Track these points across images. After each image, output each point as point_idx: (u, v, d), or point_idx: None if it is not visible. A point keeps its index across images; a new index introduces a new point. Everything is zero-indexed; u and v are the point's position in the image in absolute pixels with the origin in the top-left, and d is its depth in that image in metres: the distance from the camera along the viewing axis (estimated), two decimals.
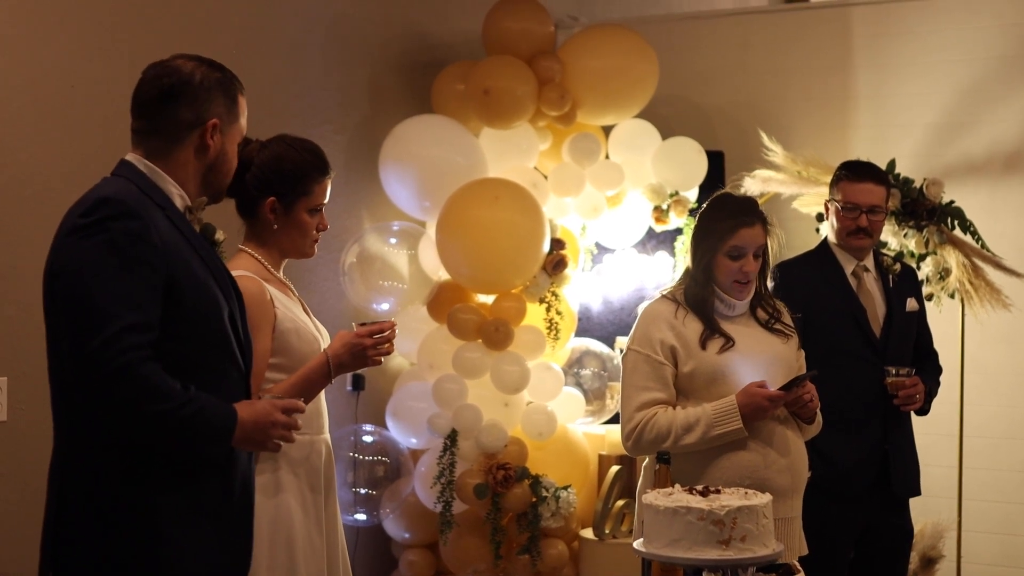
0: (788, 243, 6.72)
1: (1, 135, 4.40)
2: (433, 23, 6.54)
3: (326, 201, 3.70)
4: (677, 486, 3.51)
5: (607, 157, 6.17)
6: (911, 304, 4.99)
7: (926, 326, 5.08)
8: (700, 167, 6.22)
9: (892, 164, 5.91)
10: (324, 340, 3.69)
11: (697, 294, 4.10)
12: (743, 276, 4.06)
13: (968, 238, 5.78)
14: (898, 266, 5.05)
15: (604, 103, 6.09)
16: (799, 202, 6.22)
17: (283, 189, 3.58)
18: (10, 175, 4.43)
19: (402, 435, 5.78)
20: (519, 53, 5.96)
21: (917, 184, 5.79)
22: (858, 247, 4.92)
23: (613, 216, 6.17)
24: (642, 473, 4.20)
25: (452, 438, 5.57)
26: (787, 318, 4.25)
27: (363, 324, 3.58)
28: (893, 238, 5.79)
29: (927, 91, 6.49)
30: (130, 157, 3.06)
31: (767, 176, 6.15)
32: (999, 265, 5.78)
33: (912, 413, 4.96)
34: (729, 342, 4.03)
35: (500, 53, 5.97)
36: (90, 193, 2.96)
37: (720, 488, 3.45)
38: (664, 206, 6.15)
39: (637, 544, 3.40)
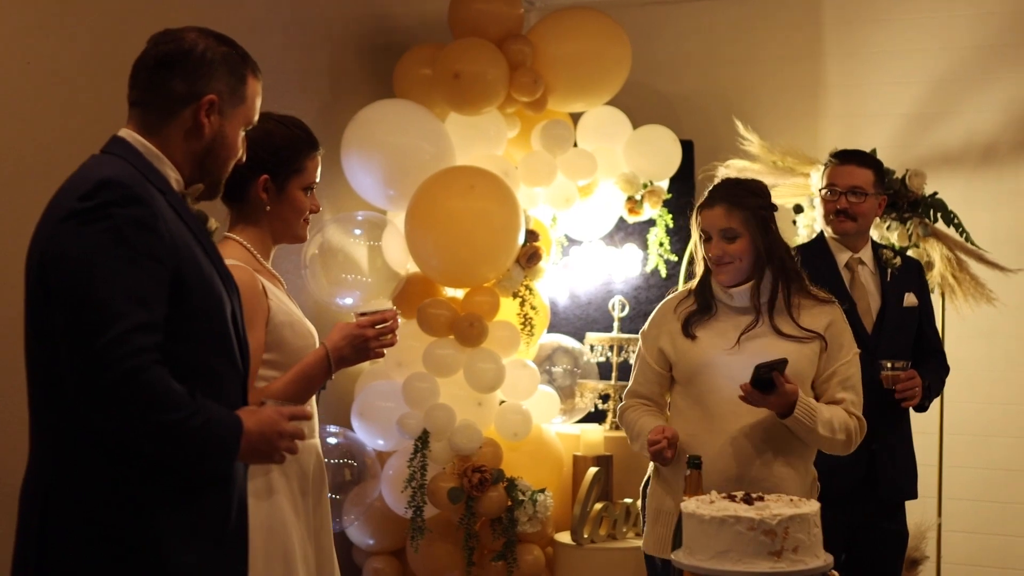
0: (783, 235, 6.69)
1: None
2: (394, 3, 6.24)
3: (318, 180, 3.50)
4: (713, 492, 3.28)
5: (575, 145, 5.92)
6: (909, 299, 4.79)
7: (931, 322, 4.89)
8: (674, 156, 6.02)
9: (873, 153, 5.75)
10: (315, 334, 3.43)
11: (701, 281, 4.01)
12: (713, 259, 3.89)
13: (952, 231, 5.63)
14: (899, 260, 4.86)
15: (575, 89, 5.85)
16: (774, 193, 6.02)
17: (276, 167, 3.36)
18: None
19: (368, 436, 5.48)
20: (487, 36, 5.69)
21: (897, 175, 5.64)
22: (841, 232, 4.75)
23: (584, 207, 5.93)
24: (651, 476, 3.99)
25: (423, 439, 5.29)
26: (815, 317, 3.93)
27: (363, 314, 3.33)
28: (875, 231, 5.62)
29: (901, 80, 6.34)
30: (123, 133, 2.75)
31: (742, 166, 5.96)
32: (983, 259, 5.64)
33: (910, 412, 4.78)
34: (710, 336, 3.90)
35: (467, 35, 5.70)
36: (86, 174, 2.63)
37: (763, 495, 3.22)
38: (638, 196, 5.93)
39: (677, 556, 3.15)
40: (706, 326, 3.92)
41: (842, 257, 4.76)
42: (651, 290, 6.34)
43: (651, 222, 6.14)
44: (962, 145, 6.21)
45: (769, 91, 6.62)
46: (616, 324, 6.02)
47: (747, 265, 3.89)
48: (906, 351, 4.75)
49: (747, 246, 3.88)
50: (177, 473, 2.60)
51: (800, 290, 3.95)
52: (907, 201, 5.66)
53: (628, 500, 5.55)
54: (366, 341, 3.28)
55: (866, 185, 4.74)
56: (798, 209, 5.91)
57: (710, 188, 4.04)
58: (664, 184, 6.06)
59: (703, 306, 3.94)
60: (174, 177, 2.72)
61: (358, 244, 5.45)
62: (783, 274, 3.92)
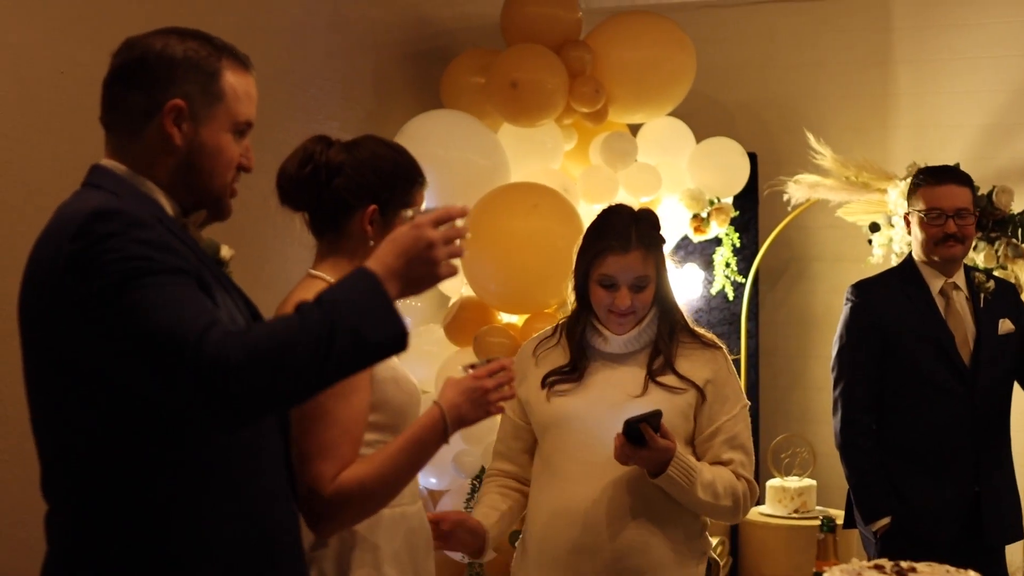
0: (832, 255, 6.36)
1: None
2: (439, 7, 5.83)
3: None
4: (854, 559, 2.89)
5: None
6: (1005, 325, 4.38)
7: None
8: (742, 171, 5.63)
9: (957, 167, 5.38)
10: (419, 389, 2.99)
11: (571, 321, 3.41)
12: (616, 308, 3.28)
13: None
14: (992, 283, 4.45)
15: (637, 99, 5.45)
16: (844, 210, 5.66)
17: (388, 195, 2.84)
18: None
19: (421, 474, 5.07)
20: (543, 42, 5.29)
21: (981, 191, 5.27)
22: (949, 257, 4.32)
23: None
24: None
25: (481, 478, 4.89)
26: (695, 364, 3.33)
27: (472, 365, 2.85)
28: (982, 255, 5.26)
29: (976, 89, 5.97)
30: (104, 161, 2.34)
31: (814, 182, 5.60)
32: None
33: (1011, 446, 4.38)
34: (565, 388, 3.33)
35: (522, 41, 5.30)
36: (69, 212, 2.19)
37: (914, 565, 2.83)
38: (704, 214, 5.54)
39: None
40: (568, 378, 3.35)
41: (936, 283, 4.36)
42: (713, 313, 5.96)
43: (715, 241, 5.76)
44: None
45: (834, 100, 6.24)
46: None
47: (644, 312, 3.35)
48: (1007, 383, 4.37)
49: (653, 293, 3.35)
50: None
51: (683, 330, 3.40)
52: (993, 219, 5.29)
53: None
54: (485, 393, 2.77)
55: (968, 204, 4.34)
56: (874, 228, 5.53)
57: (610, 226, 3.36)
58: (728, 200, 5.68)
59: (576, 364, 3.35)
60: (167, 205, 2.30)
61: None
62: (669, 314, 3.40)
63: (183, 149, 2.30)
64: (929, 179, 4.37)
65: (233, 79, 2.35)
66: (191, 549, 2.18)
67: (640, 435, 3.06)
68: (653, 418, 3.07)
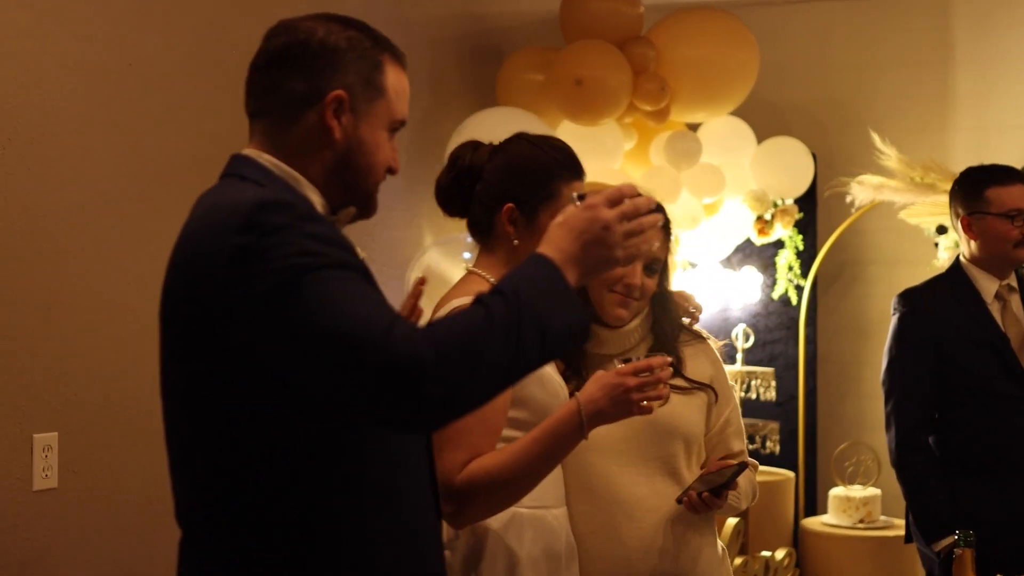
0: (890, 258, 6.21)
1: (47, 126, 3.52)
2: (495, 3, 5.67)
3: None
4: None
5: None
6: None
7: None
8: (806, 172, 5.50)
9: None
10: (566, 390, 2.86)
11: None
12: (628, 282, 3.03)
13: None
14: None
15: (700, 97, 5.31)
16: (907, 212, 5.51)
17: (523, 193, 2.78)
18: (57, 178, 3.54)
19: None
20: (605, 38, 5.14)
21: None
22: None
23: (708, 228, 5.39)
24: None
25: None
26: (695, 361, 3.13)
27: (626, 360, 2.70)
28: None
29: None
30: (247, 152, 2.17)
31: (879, 183, 5.44)
32: None
33: None
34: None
35: (582, 38, 5.15)
36: (224, 205, 2.03)
37: None
38: (768, 216, 5.39)
39: None
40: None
41: (990, 287, 4.14)
42: (770, 317, 5.82)
43: (776, 243, 5.62)
44: None
45: (892, 101, 6.09)
46: (740, 356, 5.49)
47: (644, 304, 3.11)
48: None
49: (656, 284, 3.12)
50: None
51: (679, 326, 3.15)
52: None
53: (767, 553, 5.01)
54: (627, 392, 2.63)
55: None
56: (941, 230, 5.39)
57: None
58: (791, 202, 5.54)
59: (577, 368, 3.07)
60: (317, 200, 2.15)
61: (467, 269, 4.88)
62: (670, 312, 3.14)
63: (341, 144, 2.14)
64: (995, 178, 4.14)
65: (393, 74, 2.20)
66: (350, 571, 2.03)
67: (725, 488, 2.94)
68: (736, 473, 2.95)
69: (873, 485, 5.52)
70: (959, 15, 6.01)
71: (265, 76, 2.15)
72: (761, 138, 5.63)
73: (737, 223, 5.41)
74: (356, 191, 2.19)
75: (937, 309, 4.15)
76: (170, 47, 3.93)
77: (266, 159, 2.13)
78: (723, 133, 5.47)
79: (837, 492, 5.50)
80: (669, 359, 2.71)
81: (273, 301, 1.91)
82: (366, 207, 2.23)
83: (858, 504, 5.43)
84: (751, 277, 5.66)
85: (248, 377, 1.97)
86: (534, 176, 2.78)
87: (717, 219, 5.40)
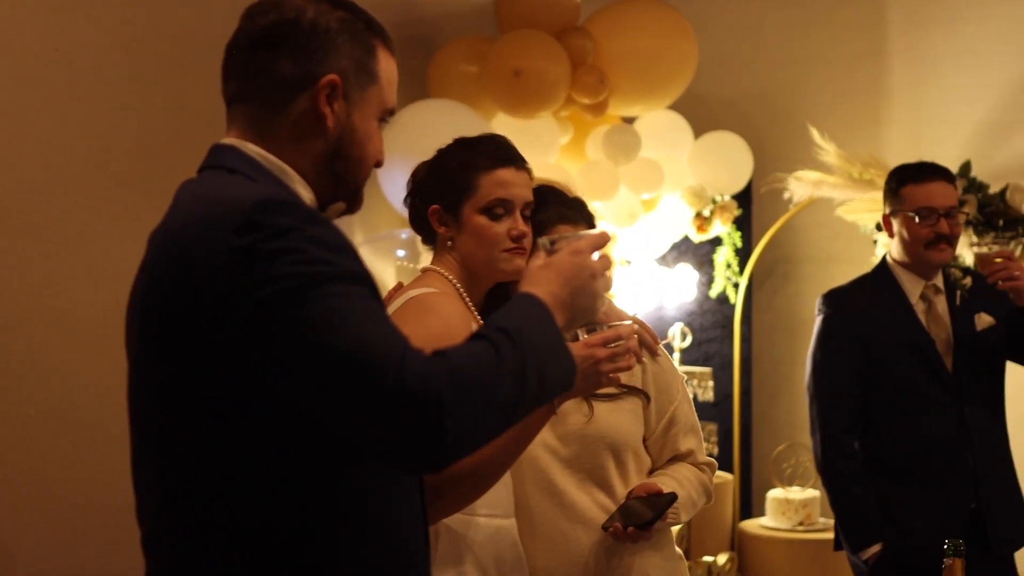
0: (822, 256, 6.12)
1: None
2: None
3: (507, 196, 2.75)
4: None
5: None
6: (982, 320, 4.03)
7: None
8: (745, 167, 5.40)
9: (967, 166, 5.17)
10: None
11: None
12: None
13: None
14: (968, 279, 4.12)
15: (639, 91, 5.17)
16: (844, 209, 5.42)
17: (443, 191, 2.77)
18: None
19: None
20: (542, 29, 4.98)
21: (992, 189, 5.09)
22: (940, 261, 4.01)
23: (646, 223, 5.25)
24: None
25: None
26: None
27: (591, 330, 2.54)
28: (969, 252, 5.02)
29: (974, 84, 5.76)
30: (231, 141, 1.97)
31: (817, 179, 5.34)
32: None
33: (1010, 448, 4.07)
34: None
35: (519, 28, 4.98)
36: (215, 201, 1.84)
37: None
38: (706, 212, 5.26)
39: None
40: None
41: (915, 288, 4.04)
42: (705, 316, 5.71)
43: (712, 241, 5.50)
44: None
45: (826, 94, 6.00)
46: (678, 356, 5.36)
47: None
48: (995, 381, 4.07)
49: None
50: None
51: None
52: (1006, 219, 5.09)
53: (709, 558, 4.89)
54: (597, 364, 2.46)
55: (957, 203, 4.04)
56: (880, 227, 5.29)
57: (544, 203, 2.94)
58: (728, 198, 5.42)
59: None
60: (306, 195, 1.97)
61: (402, 268, 4.70)
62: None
63: (334, 133, 1.96)
64: (914, 175, 4.04)
65: (385, 60, 2.02)
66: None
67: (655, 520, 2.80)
68: (666, 505, 2.80)
69: (811, 487, 5.42)
70: (893, 10, 5.94)
71: (250, 57, 1.96)
72: (696, 133, 5.51)
73: (675, 220, 5.28)
74: (346, 185, 2.01)
75: (862, 310, 4.06)
76: (100, 32, 3.70)
77: (252, 149, 1.94)
78: (660, 127, 5.34)
79: (776, 494, 5.39)
80: (636, 326, 2.60)
81: (276, 313, 1.73)
82: (354, 202, 2.06)
83: (797, 506, 5.33)
84: (687, 275, 5.53)
85: (236, 387, 1.79)
86: (452, 173, 2.75)
87: (655, 215, 5.27)
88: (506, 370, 1.80)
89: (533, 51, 4.85)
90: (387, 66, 2.03)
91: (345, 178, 2.00)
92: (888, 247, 5.23)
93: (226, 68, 2.00)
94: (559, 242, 2.22)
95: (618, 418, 2.92)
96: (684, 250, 5.64)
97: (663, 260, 5.56)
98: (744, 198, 5.70)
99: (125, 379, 1.95)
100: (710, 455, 5.24)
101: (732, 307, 5.67)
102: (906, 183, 4.03)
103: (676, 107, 5.45)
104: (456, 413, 1.72)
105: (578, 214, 3.03)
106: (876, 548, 3.95)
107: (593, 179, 5.04)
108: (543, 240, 2.16)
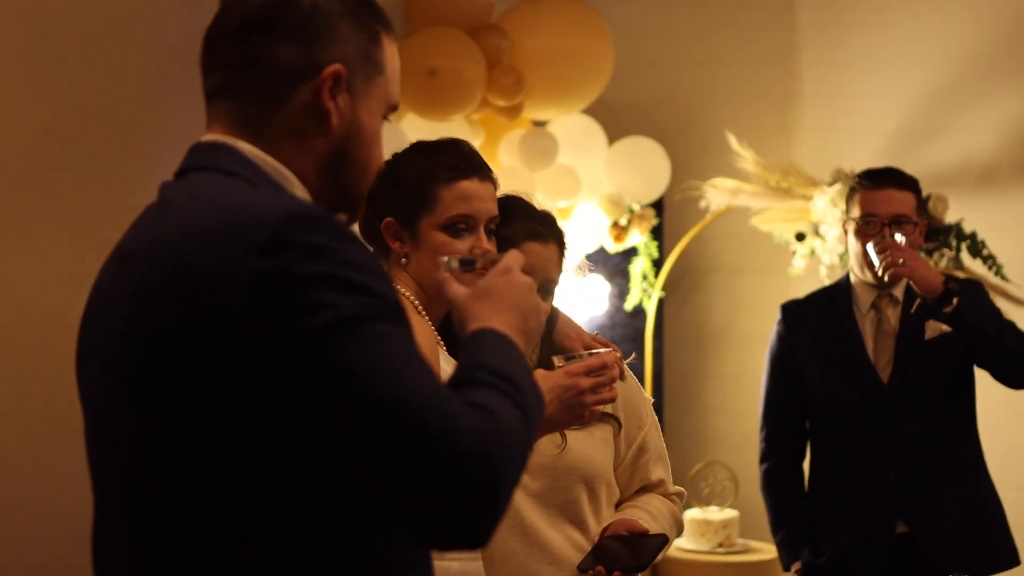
0: (732, 266, 5.92)
1: None
2: None
3: (470, 211, 2.53)
4: None
5: None
6: (932, 328, 3.82)
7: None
8: (662, 174, 5.20)
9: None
10: None
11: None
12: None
13: (979, 264, 4.96)
14: None
15: (554, 93, 4.93)
16: (761, 218, 5.26)
17: (397, 203, 2.55)
18: None
19: None
20: (454, 26, 4.71)
21: None
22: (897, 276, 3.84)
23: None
24: None
25: None
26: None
27: (570, 358, 2.34)
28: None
29: (886, 91, 5.66)
30: (223, 139, 1.68)
31: (735, 187, 5.18)
32: (1009, 296, 5.00)
33: (976, 471, 3.90)
34: None
35: (429, 25, 4.71)
36: (228, 209, 1.58)
37: None
38: (623, 221, 5.05)
39: None
40: None
41: (867, 298, 3.88)
42: (616, 329, 5.48)
43: (627, 251, 5.30)
44: (957, 165, 5.55)
45: (733, 100, 5.84)
46: None
47: None
48: (951, 395, 3.86)
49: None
50: None
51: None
52: (928, 229, 4.96)
53: None
54: (579, 395, 2.30)
55: (910, 211, 3.84)
56: (800, 237, 5.14)
57: (517, 218, 2.78)
58: (643, 206, 5.22)
59: None
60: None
61: None
62: (553, 333, 2.69)
63: (338, 131, 1.70)
64: (865, 182, 3.87)
65: (389, 49, 1.77)
66: None
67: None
68: (657, 549, 2.60)
69: (730, 507, 5.23)
70: (802, 14, 5.81)
71: (243, 43, 1.68)
72: (609, 139, 5.29)
73: (591, 228, 5.05)
74: (348, 192, 1.75)
75: (807, 326, 3.95)
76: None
77: (247, 149, 1.66)
78: (574, 132, 5.11)
79: (694, 515, 5.18)
80: (619, 353, 2.47)
81: (310, 355, 1.47)
82: (355, 213, 1.80)
83: (717, 527, 5.13)
84: (599, 286, 5.30)
85: (246, 433, 1.52)
86: (408, 184, 2.52)
87: (570, 224, 5.02)
88: (530, 427, 1.61)
89: (448, 49, 4.58)
90: (392, 56, 1.78)
91: (347, 184, 1.74)
92: (812, 255, 5.13)
93: (211, 55, 1.71)
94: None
95: (590, 447, 2.69)
96: (596, 260, 5.42)
97: (579, 270, 5.34)
98: (658, 207, 5.51)
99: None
100: None
101: (643, 320, 5.46)
102: (857, 189, 3.88)
103: (589, 111, 5.24)
104: (507, 479, 1.49)
105: (548, 230, 2.77)
106: (797, 566, 3.88)
107: (508, 186, 4.68)
108: (445, 260, 1.89)
